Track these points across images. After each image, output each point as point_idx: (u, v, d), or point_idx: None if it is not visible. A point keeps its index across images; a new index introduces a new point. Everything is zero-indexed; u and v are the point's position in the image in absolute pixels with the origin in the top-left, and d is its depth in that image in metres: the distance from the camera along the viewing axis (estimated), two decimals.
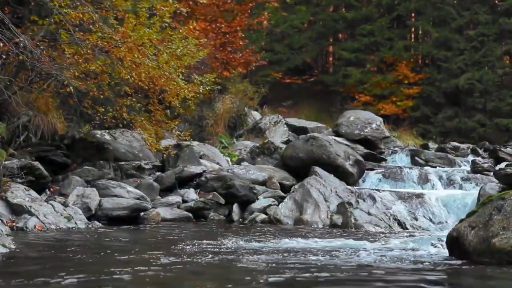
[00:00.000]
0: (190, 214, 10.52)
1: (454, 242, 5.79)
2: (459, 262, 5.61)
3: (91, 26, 10.07)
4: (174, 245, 6.79)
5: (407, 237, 8.30)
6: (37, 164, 9.42)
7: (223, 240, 7.38)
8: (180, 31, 11.63)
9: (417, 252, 6.31)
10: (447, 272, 5.27)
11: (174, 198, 10.95)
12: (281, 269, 5.14)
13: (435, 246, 6.43)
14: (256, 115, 19.06)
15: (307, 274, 4.93)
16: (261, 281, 4.60)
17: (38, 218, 7.92)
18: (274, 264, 5.45)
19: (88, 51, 10.07)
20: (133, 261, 5.47)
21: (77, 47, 10.37)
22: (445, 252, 6.06)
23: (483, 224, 5.58)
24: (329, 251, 6.50)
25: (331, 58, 33.17)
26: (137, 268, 5.06)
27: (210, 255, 5.97)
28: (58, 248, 6.28)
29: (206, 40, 13.34)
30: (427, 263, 5.63)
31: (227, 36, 18.50)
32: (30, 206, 8.11)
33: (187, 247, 6.65)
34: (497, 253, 5.38)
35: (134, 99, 11.64)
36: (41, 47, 9.26)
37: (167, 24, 11.15)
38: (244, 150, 15.36)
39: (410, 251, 6.37)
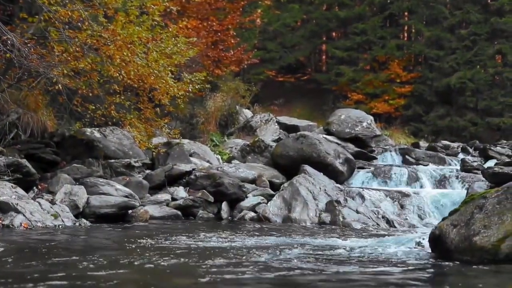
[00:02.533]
0: (179, 212, 10.53)
1: (437, 240, 5.83)
2: (440, 260, 5.65)
3: (79, 24, 10.06)
4: (159, 243, 6.81)
5: (392, 235, 8.34)
6: (24, 161, 9.41)
7: (208, 238, 7.40)
8: (170, 29, 11.65)
9: (400, 250, 6.34)
10: (428, 269, 5.31)
11: (163, 196, 10.94)
12: (259, 267, 5.17)
13: (418, 244, 6.46)
14: (248, 113, 19.08)
15: (286, 272, 4.97)
16: (238, 278, 4.64)
17: (24, 215, 7.92)
18: (254, 261, 5.48)
19: (77, 49, 10.07)
20: (116, 259, 5.48)
21: (67, 45, 10.38)
22: (428, 250, 6.10)
23: (465, 222, 5.62)
24: (311, 248, 6.53)
25: (324, 57, 33.25)
26: (120, 267, 5.09)
27: (193, 253, 5.99)
28: (42, 246, 6.28)
29: (196, 38, 13.33)
30: (408, 261, 5.67)
31: (219, 34, 18.51)
32: (17, 204, 8.10)
33: (172, 245, 6.67)
34: (478, 251, 5.42)
35: (123, 97, 11.65)
36: (28, 45, 9.25)
37: (156, 23, 11.17)
38: (235, 148, 15.38)
39: (393, 249, 6.41)
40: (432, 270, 5.31)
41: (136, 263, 5.29)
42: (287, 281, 4.73)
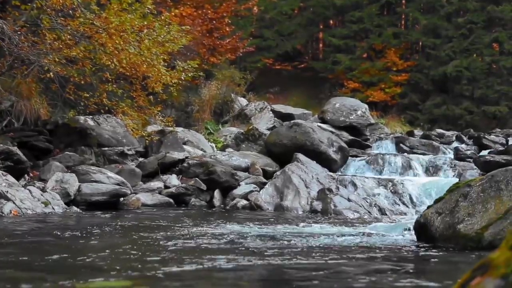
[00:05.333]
0: (171, 200, 10.58)
1: (422, 228, 5.88)
2: (425, 247, 5.70)
3: (70, 12, 10.05)
4: (147, 230, 6.84)
5: (381, 223, 8.38)
6: (15, 149, 9.42)
7: (198, 226, 7.44)
8: (163, 17, 11.63)
9: (386, 237, 6.39)
10: (411, 257, 5.36)
11: (156, 184, 10.99)
12: (247, 255, 5.20)
13: (405, 232, 6.50)
14: (243, 101, 19.06)
15: (272, 260, 5.00)
16: (212, 265, 4.67)
17: (14, 203, 7.94)
18: (240, 249, 5.51)
19: (68, 36, 10.07)
20: (100, 246, 5.52)
21: (59, 33, 10.37)
22: (414, 238, 6.14)
23: (450, 210, 5.66)
24: (298, 236, 6.56)
25: (321, 45, 33.15)
26: (103, 254, 5.12)
27: (181, 241, 6.02)
28: (28, 233, 6.32)
29: (189, 27, 13.30)
30: (393, 249, 5.71)
31: (214, 22, 18.47)
32: (7, 191, 8.12)
33: (160, 232, 6.69)
34: (462, 238, 5.47)
35: (115, 85, 11.64)
36: (18, 33, 9.24)
37: (149, 11, 11.16)
38: (229, 136, 15.41)
39: (379, 236, 6.45)
40: (415, 257, 5.36)
41: (121, 250, 5.32)
42: (274, 268, 4.77)
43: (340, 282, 4.24)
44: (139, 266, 4.56)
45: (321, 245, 5.91)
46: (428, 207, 6.02)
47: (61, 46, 10.34)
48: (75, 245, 5.55)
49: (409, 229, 6.48)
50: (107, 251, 5.21)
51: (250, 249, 5.58)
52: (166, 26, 11.53)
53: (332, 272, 4.64)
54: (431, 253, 5.45)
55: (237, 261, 4.88)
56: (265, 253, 5.32)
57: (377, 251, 5.57)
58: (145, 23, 11.12)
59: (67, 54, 10.36)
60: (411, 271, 4.84)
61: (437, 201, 5.94)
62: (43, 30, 10.40)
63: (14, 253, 5.00)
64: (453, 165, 13.27)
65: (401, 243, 6.06)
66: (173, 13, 12.29)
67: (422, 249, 5.64)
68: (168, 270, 4.41)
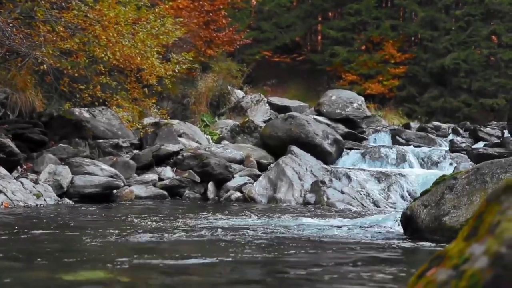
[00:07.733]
0: (165, 192, 10.61)
1: (408, 220, 5.90)
2: (411, 239, 5.73)
3: (63, 4, 10.06)
4: (137, 223, 6.87)
5: (373, 215, 8.41)
6: (7, 141, 9.44)
7: (187, 218, 7.46)
8: (157, 9, 11.65)
9: (373, 230, 6.41)
10: (396, 249, 5.38)
11: (150, 176, 11.00)
12: (231, 247, 5.24)
13: (395, 225, 6.53)
14: (240, 94, 19.06)
15: (259, 253, 5.04)
16: (202, 258, 4.70)
17: (6, 195, 7.97)
18: (225, 241, 5.55)
19: (61, 28, 10.08)
20: (89, 238, 5.55)
21: (54, 25, 10.39)
22: (401, 230, 6.17)
23: (435, 202, 5.69)
24: (287, 228, 6.59)
25: (319, 37, 33.14)
26: (92, 246, 5.15)
27: (168, 233, 6.05)
28: (18, 226, 6.35)
29: (182, 19, 13.31)
30: (379, 241, 5.73)
31: (210, 14, 18.48)
32: None
33: (148, 225, 6.72)
34: (448, 231, 5.49)
35: (108, 77, 11.67)
36: (10, 25, 9.25)
37: (143, 3, 11.18)
38: (225, 128, 15.41)
39: (367, 229, 6.48)
40: (400, 249, 5.38)
41: (110, 242, 5.35)
42: (264, 261, 4.80)
43: (324, 274, 4.27)
44: (128, 258, 4.58)
45: (310, 238, 5.94)
46: (415, 199, 6.05)
47: (55, 38, 10.36)
48: (64, 237, 5.58)
49: (396, 222, 6.50)
50: (96, 243, 5.24)
51: (240, 241, 5.61)
52: (160, 18, 11.55)
53: (317, 264, 4.67)
54: (416, 245, 5.48)
55: (227, 253, 4.91)
56: (255, 246, 5.35)
57: (362, 243, 5.60)
58: (137, 15, 11.13)
59: (61, 47, 10.38)
60: (393, 262, 4.87)
61: (423, 193, 5.97)
62: (37, 22, 10.42)
63: (3, 245, 5.03)
64: (448, 158, 13.30)
65: (387, 235, 6.09)
66: (167, 5, 12.29)
67: (408, 242, 5.67)
68: (157, 262, 4.44)
